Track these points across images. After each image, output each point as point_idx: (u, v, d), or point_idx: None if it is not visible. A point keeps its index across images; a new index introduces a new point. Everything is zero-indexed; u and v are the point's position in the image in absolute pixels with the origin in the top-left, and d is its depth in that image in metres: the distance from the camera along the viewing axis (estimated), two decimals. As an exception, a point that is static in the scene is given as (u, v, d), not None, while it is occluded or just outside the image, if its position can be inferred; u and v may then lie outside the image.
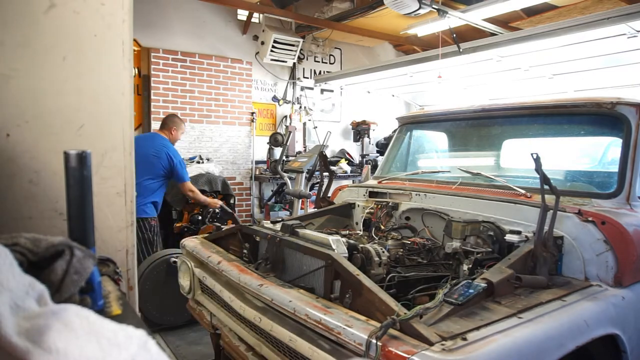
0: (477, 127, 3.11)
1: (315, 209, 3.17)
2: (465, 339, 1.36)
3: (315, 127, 7.42)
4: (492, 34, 5.02)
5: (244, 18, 6.73)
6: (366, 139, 7.50)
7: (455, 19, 4.72)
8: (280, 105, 7.18)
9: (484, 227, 2.14)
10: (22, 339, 0.44)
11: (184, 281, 2.72)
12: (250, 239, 2.51)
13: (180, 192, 4.46)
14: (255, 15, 6.68)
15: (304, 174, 5.50)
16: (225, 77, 6.50)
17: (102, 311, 0.71)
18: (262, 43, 6.58)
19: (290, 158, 6.42)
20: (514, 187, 2.36)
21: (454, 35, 3.83)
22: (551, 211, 1.87)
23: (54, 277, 0.60)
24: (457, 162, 3.23)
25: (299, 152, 6.78)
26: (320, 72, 7.59)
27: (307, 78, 7.51)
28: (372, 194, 2.96)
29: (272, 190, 6.93)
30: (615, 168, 2.27)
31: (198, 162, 5.77)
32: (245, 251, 2.48)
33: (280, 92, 7.22)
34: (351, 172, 7.03)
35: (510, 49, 3.24)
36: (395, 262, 2.14)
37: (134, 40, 4.18)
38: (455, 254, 2.05)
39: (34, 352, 0.43)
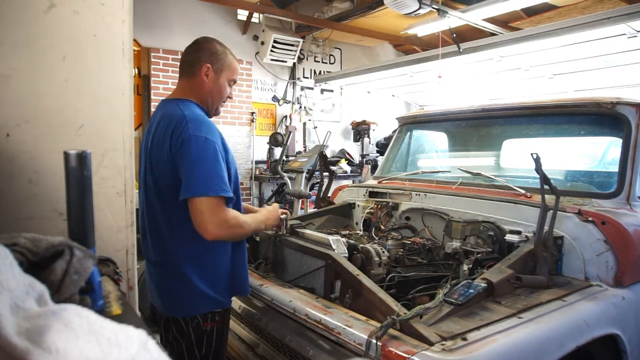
0: (477, 127, 3.11)
1: (315, 209, 3.17)
2: (465, 339, 1.36)
3: (315, 127, 7.42)
4: (492, 34, 5.02)
5: (244, 18, 6.73)
6: (366, 139, 7.50)
7: (455, 19, 4.72)
8: (280, 105, 7.18)
9: (484, 227, 2.14)
10: (22, 339, 0.44)
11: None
12: (250, 239, 2.51)
13: None
14: (255, 15, 6.68)
15: (304, 174, 5.50)
16: (225, 77, 6.50)
17: (102, 311, 0.71)
18: (262, 43, 6.58)
19: (290, 158, 6.42)
20: (514, 187, 2.36)
21: (454, 35, 3.82)
22: (551, 211, 1.87)
23: (54, 277, 0.60)
24: (457, 162, 3.23)
25: (299, 152, 6.78)
26: (320, 72, 7.59)
27: (307, 78, 7.51)
28: (372, 194, 2.96)
29: (272, 190, 6.93)
30: (615, 168, 2.27)
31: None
32: (245, 251, 2.48)
33: (280, 92, 7.22)
34: (351, 172, 7.03)
35: (510, 49, 3.23)
36: (395, 262, 2.14)
37: (134, 40, 4.17)
38: (455, 254, 2.05)
39: (34, 352, 0.43)
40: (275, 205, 2.04)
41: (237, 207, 1.81)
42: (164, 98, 1.86)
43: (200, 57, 1.78)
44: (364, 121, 7.53)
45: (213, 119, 1.84)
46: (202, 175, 1.57)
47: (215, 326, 1.76)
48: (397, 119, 3.54)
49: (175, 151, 1.62)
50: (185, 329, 1.73)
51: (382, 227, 2.63)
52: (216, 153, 1.62)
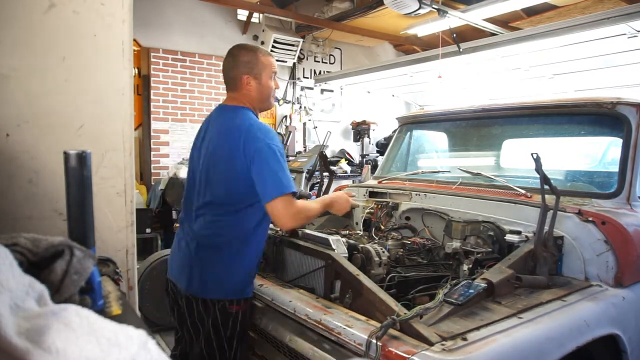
0: (477, 127, 3.11)
1: (315, 209, 3.17)
2: (465, 339, 1.36)
3: (315, 127, 7.42)
4: (492, 34, 5.02)
5: (244, 18, 6.73)
6: (366, 139, 7.50)
7: (455, 19, 4.72)
8: (280, 105, 7.18)
9: (484, 227, 2.13)
10: (22, 339, 0.44)
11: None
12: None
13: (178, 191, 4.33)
14: (255, 15, 6.68)
15: (304, 174, 5.49)
16: (225, 77, 6.50)
17: (102, 311, 0.71)
18: (262, 43, 6.58)
19: (290, 158, 6.42)
20: (514, 187, 2.36)
21: (454, 35, 3.83)
22: (551, 211, 1.87)
23: (54, 277, 0.59)
24: (457, 162, 3.23)
25: (299, 152, 6.78)
26: (320, 72, 7.59)
27: (307, 78, 7.51)
28: (372, 194, 2.96)
29: (272, 190, 6.92)
30: (615, 168, 2.27)
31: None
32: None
33: (280, 92, 7.22)
34: (351, 172, 7.03)
35: (510, 49, 3.24)
36: (395, 262, 2.14)
37: (134, 40, 4.17)
38: (455, 254, 2.05)
39: (34, 352, 0.43)
40: (343, 193, 2.13)
41: None
42: (220, 103, 2.05)
43: (238, 72, 1.94)
44: (364, 121, 7.53)
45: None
46: (274, 179, 1.79)
47: (241, 310, 1.88)
48: (397, 119, 3.54)
49: (249, 158, 1.81)
50: (211, 309, 1.86)
51: (382, 227, 2.63)
52: (282, 155, 1.85)
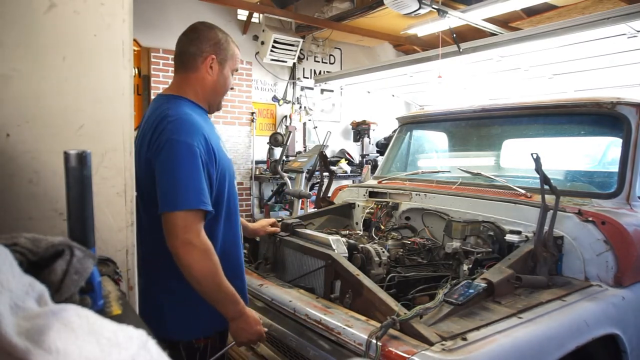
0: (477, 127, 3.11)
1: (315, 209, 3.17)
2: (465, 339, 1.36)
3: (315, 127, 7.42)
4: (492, 34, 5.02)
5: (244, 18, 6.73)
6: (366, 139, 7.50)
7: (455, 19, 4.72)
8: (280, 105, 7.18)
9: (484, 227, 2.14)
10: (22, 339, 0.44)
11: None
12: (250, 239, 2.51)
13: None
14: (255, 15, 6.68)
15: (304, 174, 5.50)
16: (225, 77, 6.50)
17: (102, 311, 0.71)
18: (262, 43, 6.58)
19: (290, 158, 6.42)
20: (514, 187, 2.36)
21: (454, 35, 3.82)
22: (551, 211, 1.87)
23: (54, 277, 0.59)
24: (457, 162, 3.23)
25: (299, 152, 6.78)
26: (320, 72, 7.59)
27: (307, 78, 7.51)
28: (372, 194, 2.96)
29: (272, 190, 6.93)
30: (615, 168, 2.27)
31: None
32: (245, 251, 2.48)
33: (280, 92, 7.22)
34: (351, 172, 7.03)
35: (510, 49, 3.23)
36: (395, 262, 2.14)
37: (134, 40, 4.16)
38: (455, 254, 2.05)
39: (34, 352, 0.43)
40: (256, 317, 1.63)
41: (233, 211, 1.69)
42: (159, 92, 1.72)
43: (202, 48, 1.59)
44: (364, 121, 7.53)
45: (213, 120, 1.76)
46: (178, 185, 1.41)
47: (209, 343, 1.61)
48: (397, 119, 3.54)
49: (151, 155, 1.48)
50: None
51: (382, 227, 2.63)
52: (196, 157, 1.45)
